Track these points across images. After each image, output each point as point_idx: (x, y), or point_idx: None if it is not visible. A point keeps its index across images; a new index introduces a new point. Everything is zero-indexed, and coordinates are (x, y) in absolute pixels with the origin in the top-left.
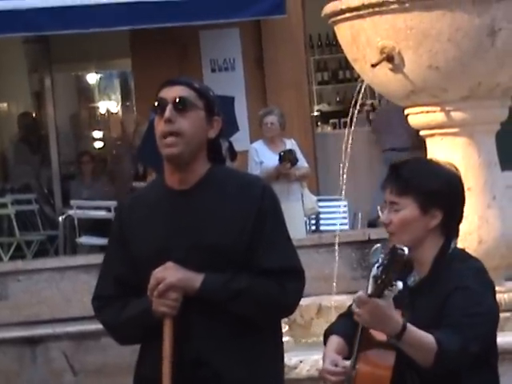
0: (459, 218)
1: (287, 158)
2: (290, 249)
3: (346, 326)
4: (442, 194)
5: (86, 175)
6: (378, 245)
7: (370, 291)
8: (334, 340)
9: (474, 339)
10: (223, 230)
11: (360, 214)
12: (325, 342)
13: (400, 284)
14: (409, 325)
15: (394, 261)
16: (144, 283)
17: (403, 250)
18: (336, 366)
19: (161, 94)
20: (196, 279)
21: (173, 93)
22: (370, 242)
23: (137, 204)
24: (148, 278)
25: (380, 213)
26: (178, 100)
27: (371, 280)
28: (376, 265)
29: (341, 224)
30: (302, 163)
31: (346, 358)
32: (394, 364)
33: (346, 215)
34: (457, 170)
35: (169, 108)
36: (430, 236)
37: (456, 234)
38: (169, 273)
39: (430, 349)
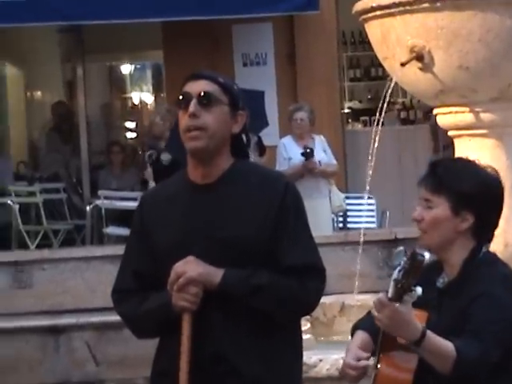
0: (494, 223)
1: (308, 155)
2: (312, 246)
3: (374, 323)
4: (475, 197)
5: (116, 165)
6: (401, 248)
7: (390, 295)
8: (360, 335)
9: (494, 347)
10: (244, 224)
11: (388, 213)
12: (352, 336)
13: (419, 290)
14: (428, 332)
15: (414, 266)
16: (164, 277)
17: (423, 256)
18: (358, 360)
19: (185, 88)
20: (216, 274)
21: (197, 87)
22: (397, 241)
23: (158, 197)
24: (168, 271)
25: (416, 209)
26: (202, 94)
27: (392, 283)
28: (398, 268)
29: (368, 222)
30: (331, 160)
31: (371, 353)
32: (416, 368)
33: (373, 213)
34: (497, 174)
35: (193, 103)
36: (460, 238)
37: (489, 239)
38: (189, 267)
39: (448, 356)
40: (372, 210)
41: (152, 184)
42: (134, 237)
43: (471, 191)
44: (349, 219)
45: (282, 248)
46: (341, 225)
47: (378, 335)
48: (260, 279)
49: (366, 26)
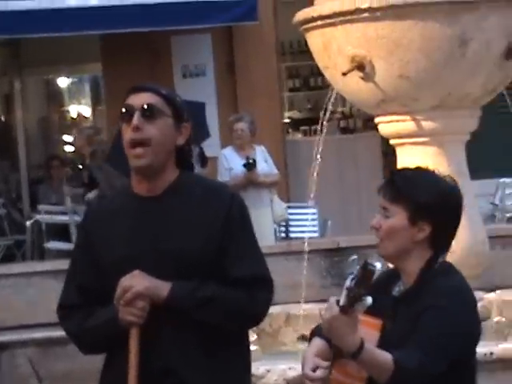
0: (451, 233)
1: (248, 165)
2: (259, 257)
3: None
4: (433, 207)
5: (55, 180)
6: (355, 256)
7: (342, 302)
8: (316, 342)
9: (436, 359)
10: (191, 236)
11: (329, 222)
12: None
13: (369, 299)
14: (367, 346)
15: (364, 276)
16: (110, 291)
17: (374, 266)
18: (315, 370)
19: (128, 101)
20: (163, 287)
21: (140, 100)
22: (340, 250)
23: (103, 210)
24: (114, 286)
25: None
26: (145, 107)
27: (344, 291)
28: (350, 276)
29: (310, 231)
30: (272, 170)
31: (327, 360)
32: (368, 376)
33: (315, 222)
34: (456, 183)
35: (136, 115)
36: (417, 248)
37: (446, 248)
38: (136, 281)
39: (386, 369)
40: (314, 219)
41: None
42: (79, 251)
43: (429, 202)
44: (291, 229)
45: (229, 259)
46: (283, 234)
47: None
48: (207, 292)
49: (307, 35)
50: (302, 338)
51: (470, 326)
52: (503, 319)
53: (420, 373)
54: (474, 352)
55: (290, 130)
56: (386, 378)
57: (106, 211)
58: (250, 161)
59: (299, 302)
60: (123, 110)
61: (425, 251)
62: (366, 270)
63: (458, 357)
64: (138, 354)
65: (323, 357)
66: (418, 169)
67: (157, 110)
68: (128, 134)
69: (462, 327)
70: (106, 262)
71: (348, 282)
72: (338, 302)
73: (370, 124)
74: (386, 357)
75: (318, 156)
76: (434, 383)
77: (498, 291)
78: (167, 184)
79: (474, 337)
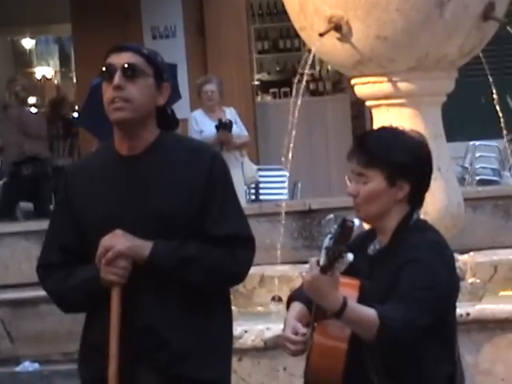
0: (426, 187)
1: (224, 126)
2: (241, 216)
3: None
4: (410, 165)
5: None
6: (331, 215)
7: (322, 262)
8: (296, 306)
9: (420, 313)
10: (171, 195)
11: (299, 184)
12: (288, 308)
13: (350, 256)
14: (350, 303)
15: (344, 233)
16: (91, 251)
17: (352, 222)
18: (296, 333)
19: (109, 60)
20: (145, 247)
21: (122, 59)
22: (311, 212)
23: (83, 170)
24: (95, 245)
25: (348, 183)
26: (127, 66)
27: (323, 251)
28: (328, 236)
29: (280, 194)
30: (242, 132)
31: (307, 325)
32: (351, 336)
33: (285, 185)
34: (422, 137)
35: (118, 75)
36: (396, 207)
37: (421, 203)
38: (117, 240)
39: (371, 325)
40: (283, 182)
41: None
42: (59, 210)
43: (405, 160)
44: (261, 191)
45: (210, 219)
46: (253, 197)
47: (312, 305)
48: (189, 251)
49: None
50: (276, 299)
51: (449, 278)
52: (477, 280)
53: (405, 327)
54: (455, 307)
55: (260, 93)
56: (371, 334)
57: (86, 170)
58: (227, 121)
59: (272, 264)
60: (104, 68)
61: (402, 208)
62: (345, 226)
63: (439, 310)
64: (120, 314)
65: (303, 321)
66: (385, 129)
67: (138, 69)
68: (109, 93)
69: (442, 280)
70: (87, 222)
71: (326, 242)
72: (318, 262)
73: (339, 86)
74: (371, 312)
75: (295, 120)
76: (417, 340)
77: (471, 253)
78: (148, 143)
79: (454, 290)
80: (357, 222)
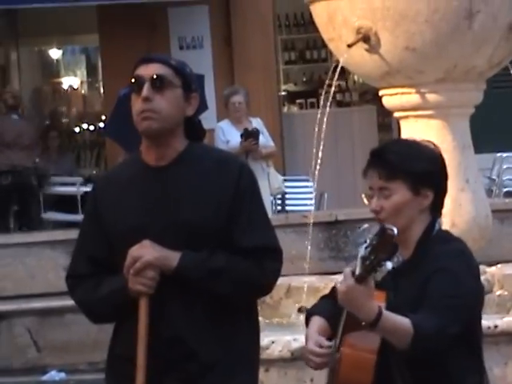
0: (444, 195)
1: (250, 134)
2: (269, 228)
3: (329, 307)
4: (431, 172)
5: (53, 150)
6: (366, 225)
7: (357, 272)
8: (317, 321)
9: (452, 321)
10: (200, 207)
11: (326, 195)
12: (306, 323)
13: (389, 264)
14: (385, 312)
15: (383, 241)
16: (119, 262)
17: (392, 230)
18: (320, 347)
19: (138, 72)
20: (173, 257)
21: (150, 70)
22: (337, 222)
23: (112, 180)
24: (123, 256)
25: (365, 200)
26: (155, 78)
27: (359, 261)
28: (364, 245)
29: (306, 205)
30: (269, 142)
31: (329, 339)
32: (380, 347)
33: (311, 196)
34: (435, 146)
35: (146, 86)
36: (420, 217)
37: (440, 212)
38: (146, 251)
39: (405, 334)
40: (310, 193)
41: None
42: (88, 221)
43: (426, 168)
44: (287, 202)
45: (238, 230)
46: (279, 207)
47: (340, 317)
48: (217, 262)
49: (312, 7)
50: (303, 310)
51: (476, 287)
52: (505, 293)
53: (438, 335)
54: (481, 316)
55: (286, 103)
56: (405, 343)
57: (114, 181)
58: (254, 129)
59: (298, 275)
60: (133, 80)
61: (426, 218)
62: (386, 234)
63: (468, 318)
64: (148, 324)
65: (324, 335)
66: (398, 141)
67: (166, 80)
68: (138, 105)
69: (470, 289)
70: (115, 233)
71: (362, 251)
72: (352, 272)
73: (365, 97)
74: (405, 321)
75: (322, 131)
76: (447, 349)
77: (498, 265)
78: (176, 154)
79: (480, 299)
80: (395, 230)
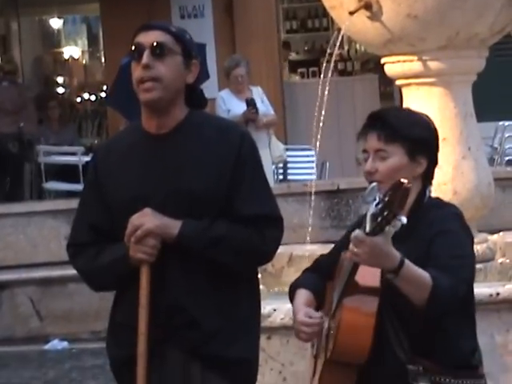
0: (436, 165)
1: (247, 104)
2: (269, 196)
3: (313, 280)
4: (428, 141)
5: (53, 121)
6: (374, 184)
7: (368, 229)
8: (303, 293)
9: (462, 281)
10: (200, 175)
11: (328, 164)
12: (290, 296)
13: (404, 218)
14: (406, 260)
15: (400, 195)
16: (120, 230)
17: (409, 183)
18: (310, 317)
19: (137, 39)
20: (174, 226)
21: (150, 38)
22: (339, 191)
23: (112, 149)
24: (124, 224)
25: (361, 161)
26: (155, 45)
27: (369, 218)
28: (374, 202)
29: (308, 174)
30: (269, 111)
31: (317, 310)
32: (377, 311)
33: (313, 165)
34: (428, 117)
35: (146, 54)
36: (414, 183)
37: (431, 182)
38: (147, 219)
39: (425, 285)
40: (312, 162)
41: None
42: (89, 190)
43: (425, 136)
44: (289, 171)
45: (239, 198)
46: (281, 177)
47: (322, 289)
48: (218, 231)
49: None
50: None
51: (473, 251)
52: (507, 260)
53: (452, 292)
54: (473, 280)
55: (288, 72)
56: (423, 296)
57: (114, 149)
58: (248, 99)
59: (299, 243)
60: (133, 47)
61: (417, 185)
62: (401, 188)
63: (473, 279)
64: (149, 292)
65: (310, 306)
66: (398, 108)
67: (166, 48)
68: (138, 72)
69: (469, 249)
70: (116, 202)
71: (373, 209)
72: (364, 231)
73: (367, 66)
74: (425, 273)
75: (323, 100)
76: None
77: (500, 233)
78: (177, 122)
79: (475, 264)
80: (408, 183)
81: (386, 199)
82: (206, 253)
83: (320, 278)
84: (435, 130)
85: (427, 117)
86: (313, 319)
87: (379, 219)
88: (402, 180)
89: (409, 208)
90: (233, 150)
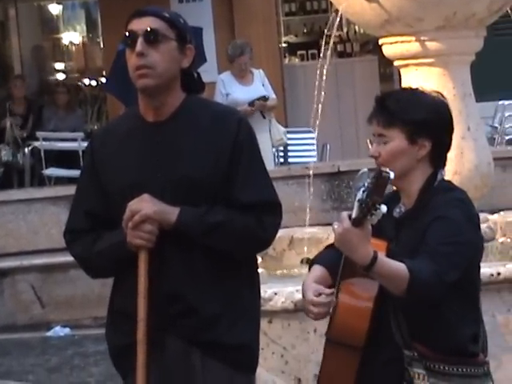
0: (448, 148)
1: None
2: (267, 182)
3: (331, 256)
4: (429, 122)
5: (61, 107)
6: (365, 169)
7: (354, 215)
8: (317, 269)
9: (448, 268)
10: (198, 161)
11: (328, 146)
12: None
13: (384, 208)
14: (380, 257)
15: (379, 184)
16: (118, 216)
17: (388, 173)
18: (319, 295)
19: (130, 26)
20: (172, 212)
21: (143, 25)
22: (340, 173)
23: (109, 135)
24: (122, 211)
25: (369, 146)
26: (148, 32)
27: (356, 204)
28: (361, 189)
29: (309, 156)
30: (270, 93)
31: (329, 287)
32: (377, 295)
33: (313, 147)
34: (443, 97)
35: (140, 41)
36: (419, 166)
37: (443, 163)
38: (144, 205)
39: (401, 279)
40: (312, 144)
41: None
42: (86, 176)
43: (426, 118)
44: (289, 154)
45: (237, 185)
46: (281, 159)
47: (339, 265)
48: (216, 217)
49: None
50: (306, 261)
51: (474, 236)
52: (508, 240)
53: (434, 281)
54: (479, 266)
55: (287, 55)
56: (401, 288)
57: (112, 135)
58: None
59: (300, 226)
60: (126, 34)
61: (426, 169)
62: (381, 177)
63: (465, 266)
64: (147, 279)
65: (323, 284)
66: (405, 89)
67: (160, 34)
68: (132, 60)
69: (467, 236)
70: (113, 188)
71: (360, 194)
72: (349, 216)
73: (366, 48)
74: (401, 266)
75: (323, 82)
76: (443, 298)
77: (501, 213)
78: (173, 109)
79: (479, 248)
80: (392, 173)
81: (369, 186)
82: (203, 239)
83: (339, 254)
84: (443, 110)
85: (437, 97)
86: (320, 298)
87: (363, 206)
88: (384, 169)
89: (417, 191)
90: (230, 137)
